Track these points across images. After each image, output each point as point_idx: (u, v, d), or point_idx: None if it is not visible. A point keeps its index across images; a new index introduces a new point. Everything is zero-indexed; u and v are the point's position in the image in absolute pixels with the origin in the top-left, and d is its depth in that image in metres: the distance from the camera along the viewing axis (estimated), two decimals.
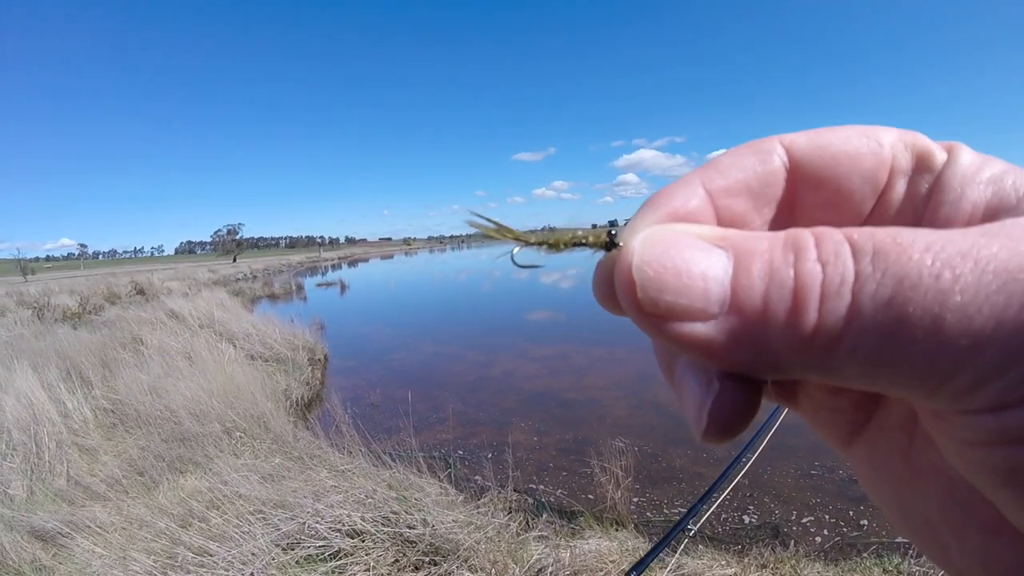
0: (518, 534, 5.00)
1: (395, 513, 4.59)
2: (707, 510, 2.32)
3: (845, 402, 0.32)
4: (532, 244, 0.33)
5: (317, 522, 4.43)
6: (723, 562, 4.59)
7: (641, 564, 1.99)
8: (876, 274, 0.22)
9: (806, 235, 0.24)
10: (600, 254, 0.31)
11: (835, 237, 0.23)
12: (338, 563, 4.23)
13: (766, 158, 0.30)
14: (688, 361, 0.28)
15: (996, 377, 0.21)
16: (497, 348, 15.08)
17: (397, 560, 4.32)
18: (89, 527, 5.06)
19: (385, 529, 4.43)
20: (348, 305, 29.80)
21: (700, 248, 0.25)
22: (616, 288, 0.27)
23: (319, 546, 4.32)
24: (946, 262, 0.21)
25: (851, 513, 5.63)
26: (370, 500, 4.75)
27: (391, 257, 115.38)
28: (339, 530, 4.40)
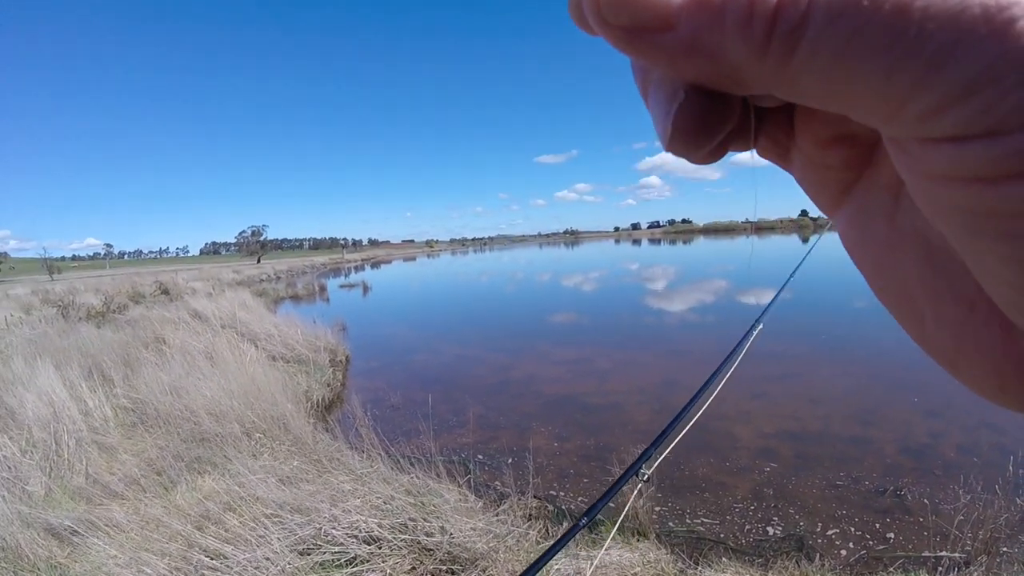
0: (538, 542, 4.94)
1: (413, 520, 4.55)
2: (660, 455, 2.31)
3: (834, 158, 0.31)
4: None
5: (334, 527, 4.39)
6: (746, 575, 4.51)
7: (592, 510, 2.11)
8: None
9: None
10: None
11: None
12: (354, 570, 4.18)
13: None
14: (660, 75, 0.28)
15: (957, 103, 0.19)
16: (519, 351, 15.01)
17: (414, 568, 4.27)
18: (105, 526, 5.05)
19: (402, 536, 4.38)
20: (370, 306, 29.90)
21: None
22: (584, 7, 0.25)
23: (335, 552, 4.28)
24: None
25: (877, 526, 5.52)
26: (388, 506, 4.70)
27: (414, 259, 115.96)
28: (356, 536, 4.36)
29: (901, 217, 0.28)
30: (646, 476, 2.18)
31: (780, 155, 0.34)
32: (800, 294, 24.51)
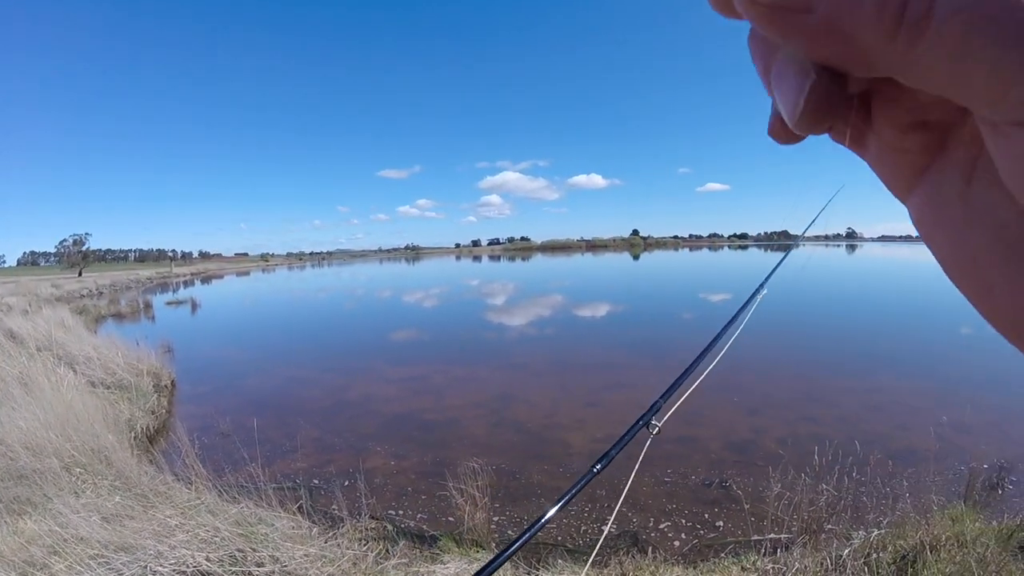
0: (376, 563, 4.95)
1: (241, 551, 4.48)
2: (671, 407, 2.30)
3: (912, 142, 0.35)
4: None
5: (160, 564, 4.26)
6: (580, 573, 4.68)
7: (604, 457, 2.00)
8: None
9: None
10: None
11: None
12: None
13: None
14: (787, 56, 0.31)
15: None
16: (355, 370, 14.93)
17: None
18: None
19: (232, 568, 4.31)
20: (199, 326, 28.66)
21: None
22: None
23: None
24: None
25: (706, 515, 5.89)
26: (216, 539, 4.60)
27: (248, 274, 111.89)
28: (184, 572, 4.25)
29: (973, 197, 0.31)
30: (656, 429, 2.14)
31: (856, 140, 0.38)
32: (635, 301, 25.44)
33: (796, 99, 0.30)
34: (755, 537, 5.34)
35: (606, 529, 5.15)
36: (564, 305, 27.36)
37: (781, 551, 4.91)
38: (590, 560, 4.61)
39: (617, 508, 2.80)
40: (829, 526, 5.08)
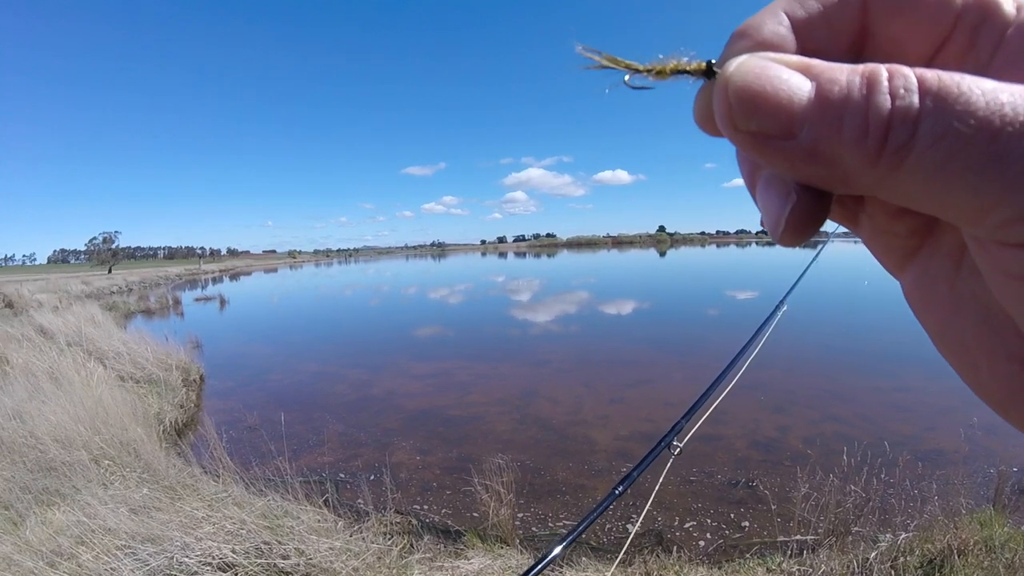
0: (400, 557, 4.96)
1: (267, 543, 4.49)
2: (691, 428, 2.35)
3: (902, 227, 0.36)
4: (642, 71, 0.35)
5: (186, 556, 4.28)
6: (607, 572, 4.66)
7: (626, 479, 2.12)
8: (936, 111, 0.25)
9: (881, 70, 0.27)
10: (700, 82, 0.34)
11: (906, 74, 0.26)
12: None
13: None
14: (770, 174, 0.32)
15: None
16: (381, 366, 14.97)
17: None
18: None
19: (258, 561, 4.33)
20: (227, 322, 28.87)
21: (787, 75, 0.29)
22: (715, 112, 0.31)
23: None
24: (997, 110, 0.24)
25: (732, 516, 5.83)
26: (241, 531, 4.63)
27: (275, 270, 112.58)
28: (209, 563, 4.27)
29: (961, 283, 0.33)
30: (678, 449, 2.20)
31: (849, 219, 0.39)
32: (666, 304, 25.32)
33: (778, 218, 0.32)
34: (781, 538, 5.28)
35: (633, 529, 5.13)
36: (589, 302, 27.27)
37: (807, 553, 4.86)
38: (618, 558, 4.59)
39: (645, 509, 2.79)
40: (856, 528, 5.01)
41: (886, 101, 0.26)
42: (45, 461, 6.81)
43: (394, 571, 4.68)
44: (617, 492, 2.07)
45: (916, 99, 0.26)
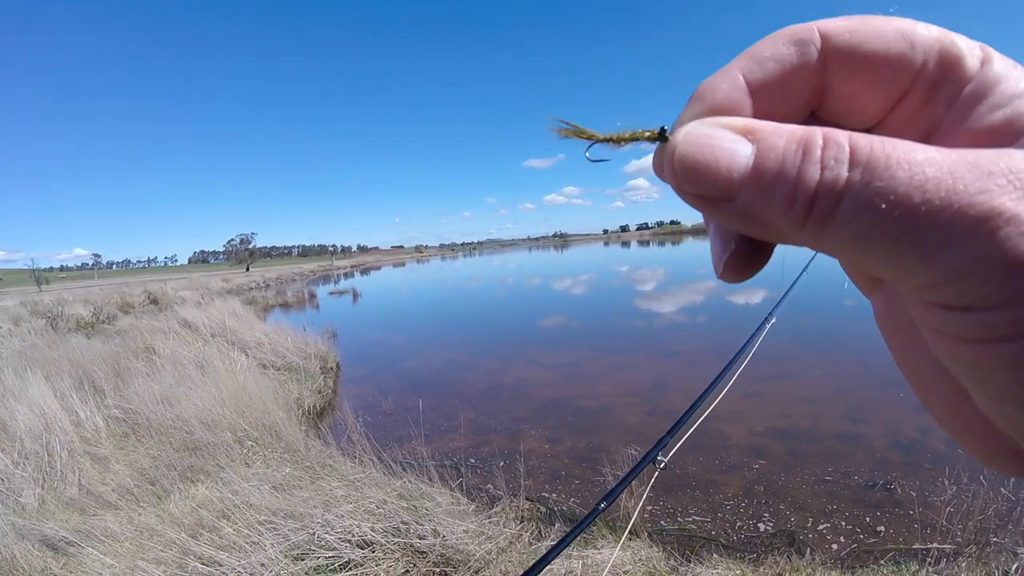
0: (530, 543, 4.96)
1: (405, 523, 4.56)
2: (676, 443, 2.37)
3: None
4: (601, 140, 0.39)
5: (327, 532, 4.40)
6: (737, 571, 4.53)
7: (611, 495, 2.18)
8: (862, 183, 0.26)
9: (816, 138, 0.29)
10: (655, 145, 0.37)
11: (840, 143, 0.28)
12: (348, 574, 4.20)
13: (804, 50, 0.34)
14: (715, 224, 0.36)
15: (941, 285, 0.26)
16: (510, 355, 15.00)
17: (407, 571, 4.28)
18: (99, 536, 5.05)
19: (395, 539, 4.40)
20: (360, 313, 29.77)
21: (729, 142, 0.31)
22: (666, 173, 0.34)
23: (329, 557, 4.29)
24: (919, 185, 0.26)
25: (868, 519, 5.56)
26: (380, 510, 4.72)
27: (403, 265, 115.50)
28: (349, 540, 4.37)
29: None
30: (663, 464, 2.25)
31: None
32: (792, 295, 24.50)
33: (719, 259, 0.36)
34: (917, 545, 5.00)
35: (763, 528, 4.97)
36: (716, 291, 26.66)
37: (946, 562, 4.56)
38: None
39: (628, 528, 2.67)
40: (995, 539, 4.68)
41: (815, 172, 0.28)
42: (191, 441, 7.17)
43: (524, 556, 4.68)
44: (600, 507, 2.12)
45: (844, 171, 0.27)
